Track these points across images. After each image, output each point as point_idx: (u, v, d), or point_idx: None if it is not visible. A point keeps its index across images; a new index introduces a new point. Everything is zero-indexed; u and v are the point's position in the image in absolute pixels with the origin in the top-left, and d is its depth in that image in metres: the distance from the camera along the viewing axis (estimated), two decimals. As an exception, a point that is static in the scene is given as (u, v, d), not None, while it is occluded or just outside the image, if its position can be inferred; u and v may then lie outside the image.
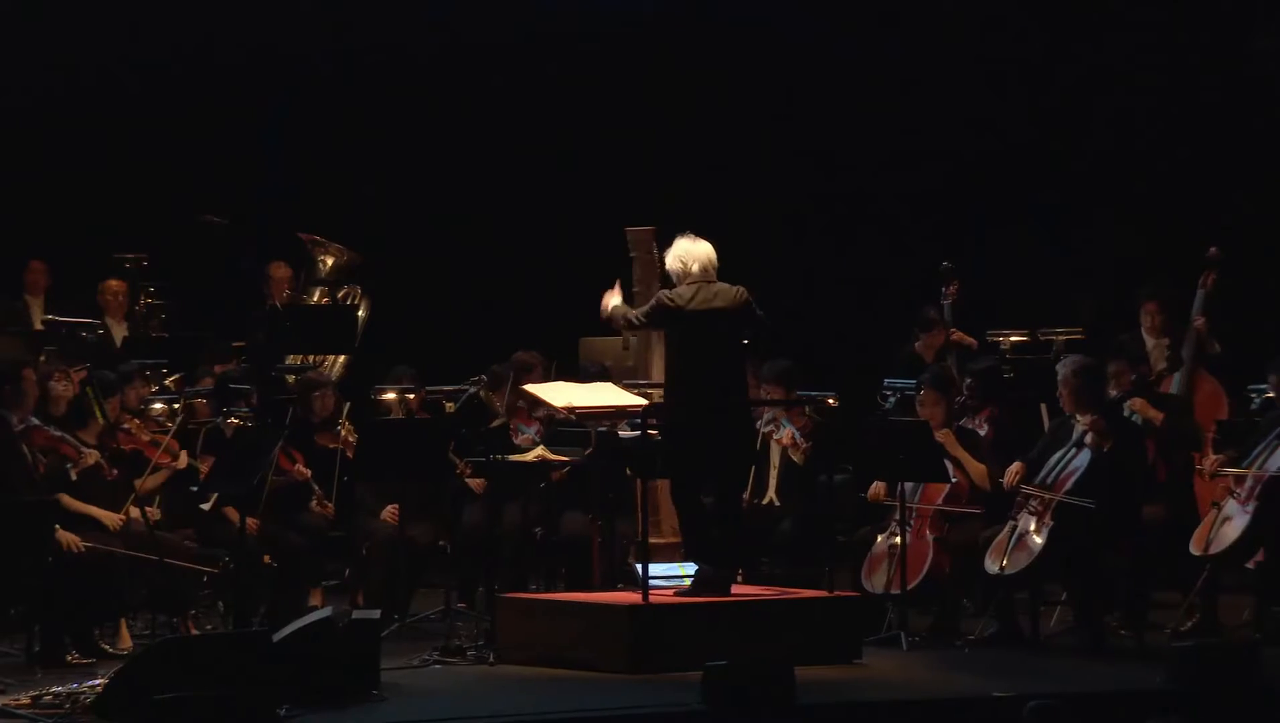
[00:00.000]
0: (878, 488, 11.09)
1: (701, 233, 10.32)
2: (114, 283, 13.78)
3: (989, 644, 10.64)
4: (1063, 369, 10.84)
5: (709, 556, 10.16)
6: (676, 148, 14.84)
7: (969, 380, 11.63)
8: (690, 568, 10.34)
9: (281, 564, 11.12)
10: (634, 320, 10.37)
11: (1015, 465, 10.70)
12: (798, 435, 11.48)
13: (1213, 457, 10.87)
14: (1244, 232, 13.76)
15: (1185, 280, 12.27)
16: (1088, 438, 10.60)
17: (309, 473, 11.30)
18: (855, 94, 14.98)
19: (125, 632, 10.44)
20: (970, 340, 12.81)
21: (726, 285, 10.15)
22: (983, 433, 11.28)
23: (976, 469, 10.94)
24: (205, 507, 11.00)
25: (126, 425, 10.83)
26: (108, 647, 10.27)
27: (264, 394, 12.00)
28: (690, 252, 10.17)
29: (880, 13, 15.03)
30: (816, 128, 15.02)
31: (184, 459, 10.90)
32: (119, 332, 13.61)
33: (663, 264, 10.69)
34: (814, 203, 15.07)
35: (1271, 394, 11.16)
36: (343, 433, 11.50)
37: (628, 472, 11.10)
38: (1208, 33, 14.63)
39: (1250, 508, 10.68)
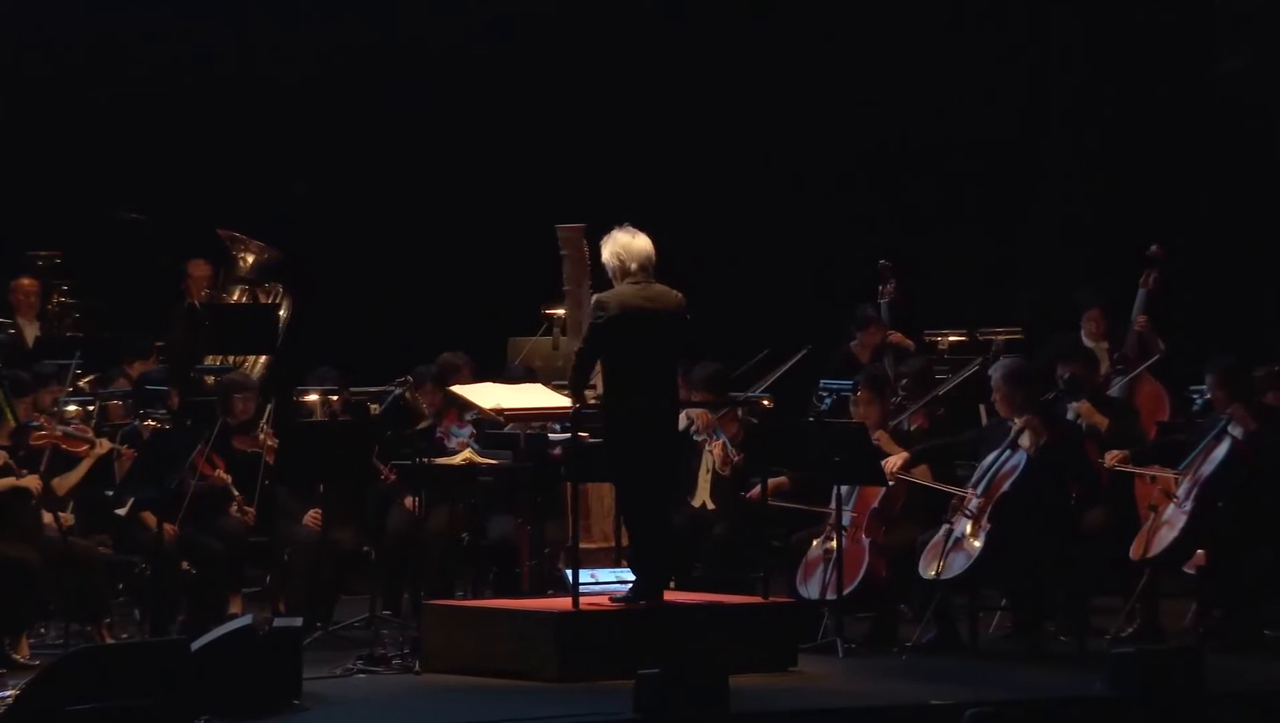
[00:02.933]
0: (756, 489, 11.10)
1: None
2: (26, 281, 13.66)
3: (927, 651, 10.67)
4: (994, 374, 10.90)
5: (643, 563, 10.14)
6: (607, 143, 14.84)
7: (903, 381, 11.69)
8: (625, 573, 10.32)
9: (200, 571, 11.05)
10: (579, 367, 10.04)
11: (898, 457, 10.75)
12: (729, 447, 11.46)
13: (1115, 453, 10.94)
14: (1187, 229, 13.89)
15: (1126, 279, 12.36)
16: (1023, 439, 10.66)
17: (229, 478, 11.24)
18: (794, 88, 15.02)
19: (24, 643, 10.34)
20: (908, 342, 12.87)
21: (666, 288, 10.10)
22: (915, 426, 11.36)
23: (916, 467, 10.96)
24: (121, 512, 10.93)
25: (38, 421, 10.74)
26: (18, 657, 10.19)
27: (183, 396, 11.93)
28: (629, 248, 10.01)
29: (821, 5, 15.11)
30: (753, 121, 15.05)
31: (105, 444, 10.82)
32: (30, 331, 13.50)
33: (594, 260, 10.64)
34: (748, 199, 15.09)
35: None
36: (262, 437, 11.43)
37: (557, 475, 11.08)
38: (1161, 36, 14.78)
39: (1187, 509, 10.76)
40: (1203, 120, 14.70)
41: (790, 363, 12.20)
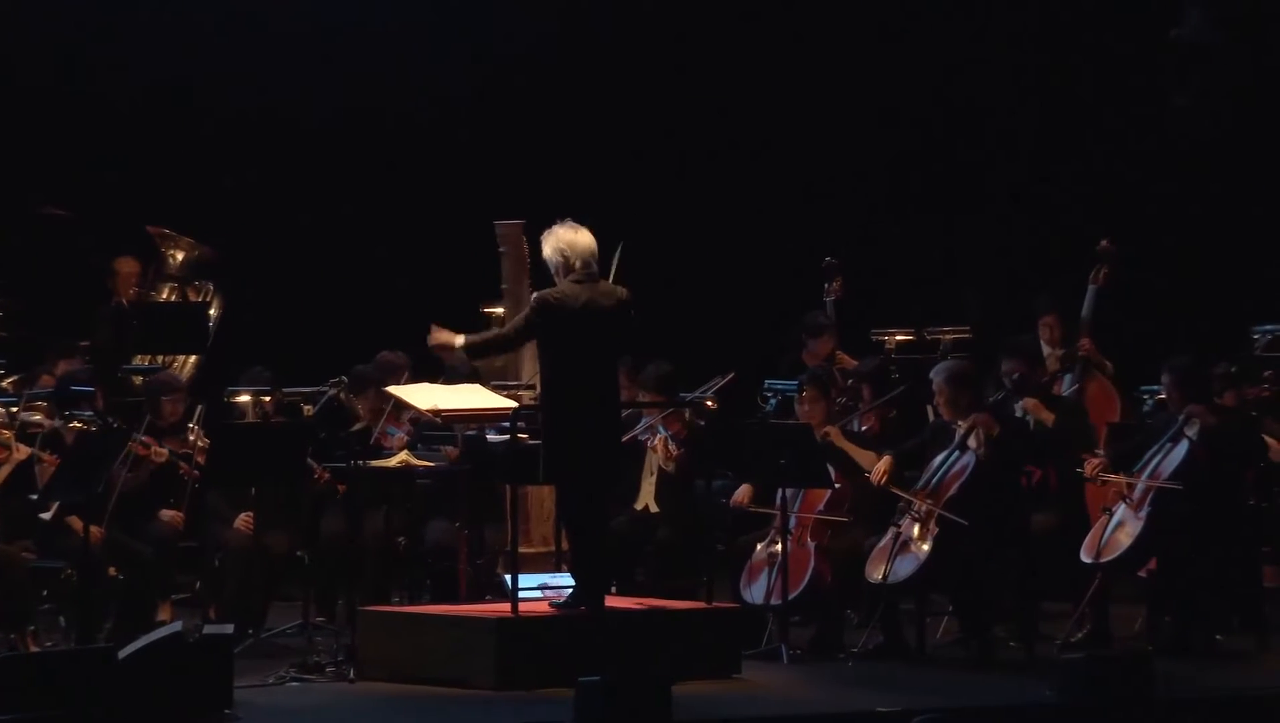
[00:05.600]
0: (743, 493, 11.14)
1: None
2: (-54, 280, 13.58)
3: (873, 657, 10.70)
4: (936, 378, 10.94)
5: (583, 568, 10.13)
6: (547, 138, 14.83)
7: (849, 381, 11.73)
8: (564, 578, 10.32)
9: (128, 576, 11.00)
10: (500, 342, 10.17)
11: (885, 461, 10.78)
12: (671, 442, 11.48)
13: (1094, 460, 11.00)
14: (1138, 224, 13.98)
15: (1076, 276, 12.41)
16: (971, 440, 10.71)
17: (166, 452, 11.15)
18: (742, 85, 15.04)
19: None
20: (852, 363, 12.78)
21: (611, 285, 10.09)
22: (866, 429, 11.39)
23: (867, 457, 10.99)
24: (46, 516, 10.86)
25: None
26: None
27: (109, 397, 11.86)
28: (574, 244, 9.97)
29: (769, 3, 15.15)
30: (697, 117, 15.06)
31: (23, 450, 10.75)
32: (-49, 332, 13.41)
33: (534, 257, 10.62)
34: (691, 196, 15.10)
35: (1164, 396, 11.31)
36: (192, 437, 11.38)
37: (496, 478, 11.07)
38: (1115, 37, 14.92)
39: (1143, 515, 10.81)
40: (1156, 121, 14.82)
41: (720, 385, 12.11)
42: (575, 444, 9.93)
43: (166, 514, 11.21)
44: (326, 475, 11.30)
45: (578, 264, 9.97)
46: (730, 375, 11.88)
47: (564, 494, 10.20)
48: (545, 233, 10.06)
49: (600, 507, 10.17)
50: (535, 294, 10.16)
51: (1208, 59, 14.58)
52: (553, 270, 10.05)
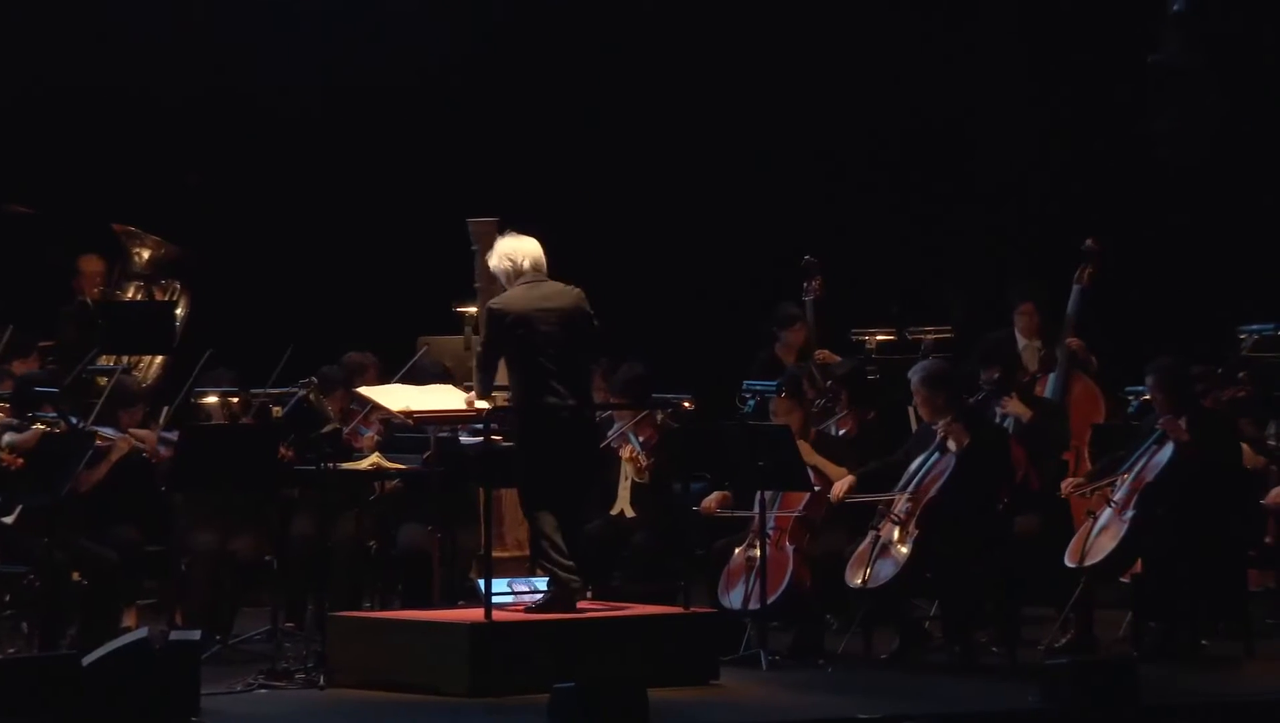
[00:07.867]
0: (712, 500, 11.13)
1: (549, 225, 10.29)
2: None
3: (854, 662, 10.70)
4: (913, 378, 10.96)
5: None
6: (521, 134, 14.82)
7: (828, 382, 11.73)
8: (540, 583, 10.31)
9: (92, 581, 10.95)
10: (482, 378, 10.23)
11: (846, 481, 10.80)
12: (640, 452, 11.47)
13: (1071, 480, 11.02)
14: (1122, 224, 14.01)
15: (1060, 276, 12.43)
16: (950, 442, 10.72)
17: (126, 438, 11.08)
18: (719, 81, 15.05)
19: None
20: (835, 359, 12.77)
21: (561, 285, 10.13)
22: (844, 432, 11.39)
23: (838, 473, 11.01)
24: (8, 519, 10.82)
25: None
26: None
27: (70, 398, 11.80)
28: (518, 249, 10.14)
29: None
30: (673, 113, 15.07)
31: None
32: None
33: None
34: (666, 193, 15.11)
35: (1149, 397, 11.32)
36: (158, 429, 11.34)
37: (469, 481, 11.05)
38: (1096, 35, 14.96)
39: (1127, 517, 10.82)
40: (1138, 120, 14.88)
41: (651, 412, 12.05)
42: (549, 446, 9.94)
43: (139, 432, 11.13)
44: (290, 453, 11.18)
45: (526, 264, 10.12)
46: (685, 400, 11.90)
47: (532, 495, 10.20)
48: (488, 252, 10.19)
49: (573, 509, 10.17)
50: (487, 306, 10.24)
51: (1187, 83, 14.66)
52: (504, 280, 10.19)
